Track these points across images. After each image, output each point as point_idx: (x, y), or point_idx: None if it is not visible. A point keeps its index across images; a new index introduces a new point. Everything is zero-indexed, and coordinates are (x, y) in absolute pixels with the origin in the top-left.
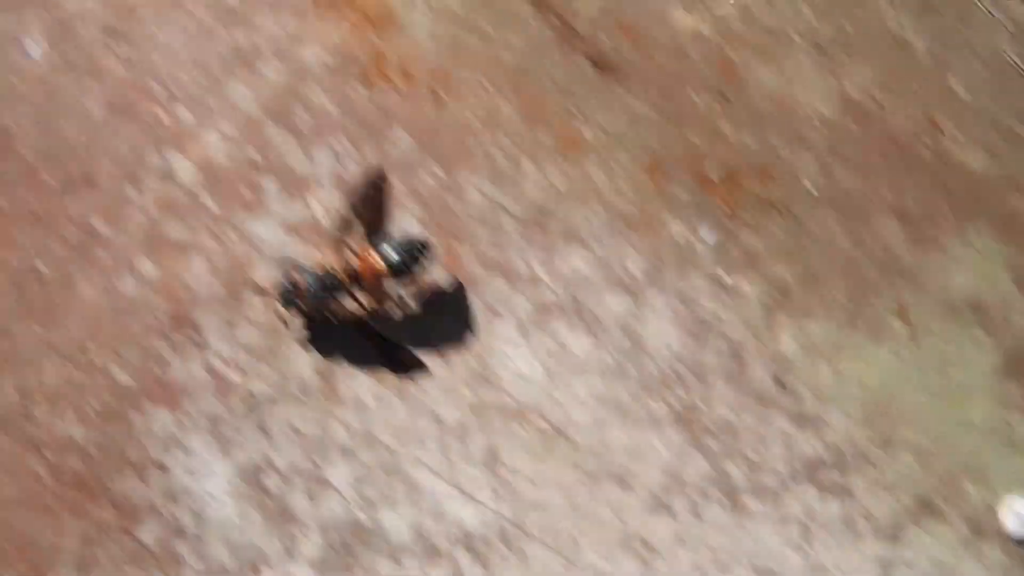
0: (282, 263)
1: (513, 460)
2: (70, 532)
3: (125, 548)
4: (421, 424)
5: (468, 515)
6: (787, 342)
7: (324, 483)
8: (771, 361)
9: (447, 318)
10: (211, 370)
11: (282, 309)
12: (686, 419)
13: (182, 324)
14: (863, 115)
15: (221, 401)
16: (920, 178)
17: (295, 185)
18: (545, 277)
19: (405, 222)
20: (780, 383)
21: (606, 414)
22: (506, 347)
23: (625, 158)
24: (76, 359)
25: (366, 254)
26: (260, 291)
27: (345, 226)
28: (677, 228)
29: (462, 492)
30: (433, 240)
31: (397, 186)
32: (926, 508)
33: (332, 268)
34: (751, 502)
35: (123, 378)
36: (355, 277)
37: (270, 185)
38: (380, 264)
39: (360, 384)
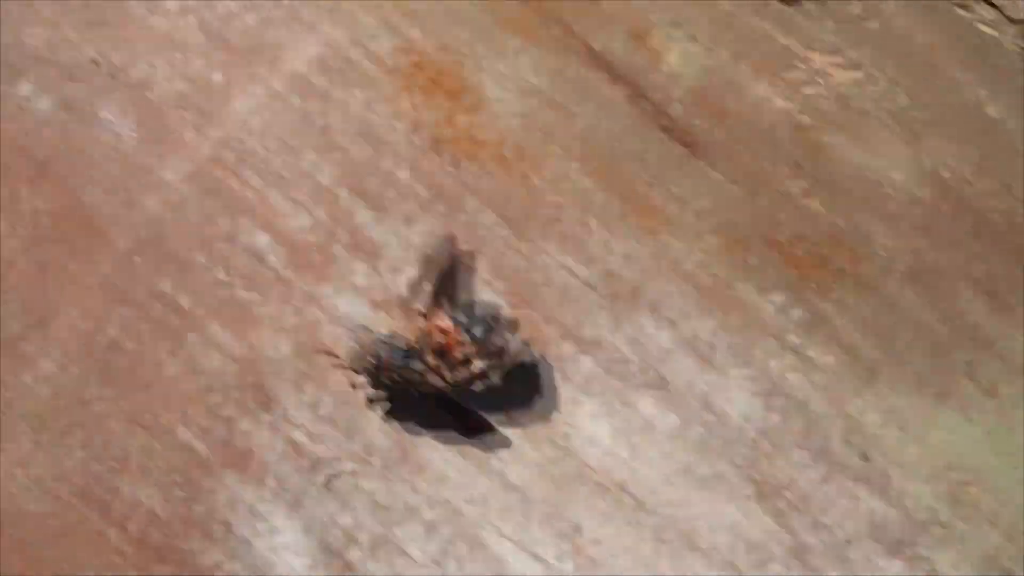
0: (360, 334)
1: (593, 530)
2: None
3: None
4: (499, 493)
5: None
6: (866, 412)
7: (401, 553)
8: (850, 430)
9: (526, 389)
10: (287, 439)
11: (359, 379)
12: (763, 488)
13: (259, 394)
14: (947, 190)
15: (297, 470)
16: (1003, 251)
17: (374, 256)
18: (625, 348)
19: (485, 294)
20: (859, 452)
21: (683, 483)
22: (584, 417)
23: (707, 232)
24: (153, 428)
25: (446, 325)
26: (337, 361)
27: (425, 298)
28: (758, 301)
29: (542, 562)
30: (513, 312)
31: (477, 258)
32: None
33: (411, 339)
34: (828, 569)
35: (200, 447)
36: (435, 348)
37: (349, 256)
38: (460, 335)
39: (438, 454)
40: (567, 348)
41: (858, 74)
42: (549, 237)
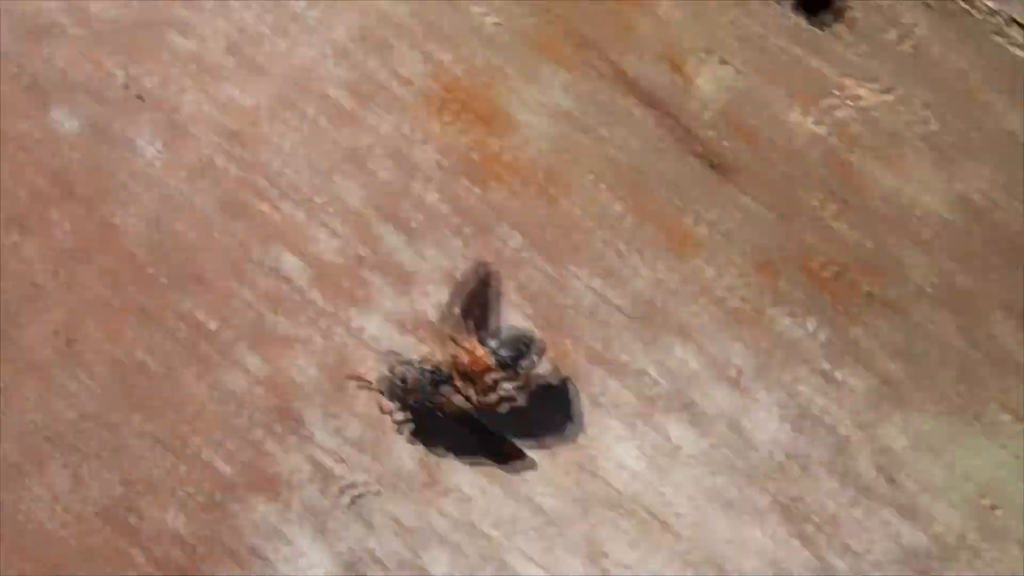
0: (389, 358)
1: (619, 554)
2: None
3: None
4: (525, 516)
5: None
6: (895, 436)
7: (426, 575)
8: (878, 454)
9: (553, 412)
10: (314, 462)
11: (387, 403)
12: (791, 512)
13: (285, 417)
14: (979, 214)
15: (323, 493)
16: None
17: (403, 280)
18: (652, 371)
19: (513, 318)
20: (888, 476)
21: (711, 506)
22: (612, 440)
23: (736, 254)
24: (179, 451)
25: (474, 349)
26: (365, 385)
27: (453, 321)
28: (786, 323)
29: None
30: (541, 335)
31: (506, 282)
32: None
33: (439, 363)
34: None
35: (226, 470)
36: (462, 372)
37: (378, 280)
38: (488, 359)
39: (464, 477)
40: (596, 371)
41: (890, 98)
42: (579, 261)
